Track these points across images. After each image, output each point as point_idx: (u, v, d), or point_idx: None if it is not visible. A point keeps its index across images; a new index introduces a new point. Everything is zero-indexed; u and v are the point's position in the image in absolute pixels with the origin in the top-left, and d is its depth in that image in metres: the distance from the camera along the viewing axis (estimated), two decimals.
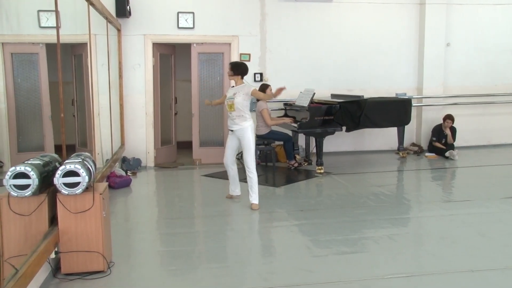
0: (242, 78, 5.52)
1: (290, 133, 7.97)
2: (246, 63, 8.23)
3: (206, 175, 7.37)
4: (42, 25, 5.83)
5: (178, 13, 8.00)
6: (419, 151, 8.88)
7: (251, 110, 8.27)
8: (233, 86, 5.60)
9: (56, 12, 3.98)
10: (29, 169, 3.26)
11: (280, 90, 5.04)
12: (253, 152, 5.48)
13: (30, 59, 6.17)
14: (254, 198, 5.48)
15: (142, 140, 8.08)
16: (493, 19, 9.26)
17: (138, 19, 7.84)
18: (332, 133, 7.45)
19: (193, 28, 8.07)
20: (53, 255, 3.52)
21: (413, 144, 9.11)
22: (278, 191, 6.46)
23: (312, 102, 7.39)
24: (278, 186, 6.67)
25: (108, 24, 6.61)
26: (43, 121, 6.08)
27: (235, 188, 5.87)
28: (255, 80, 8.30)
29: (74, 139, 7.00)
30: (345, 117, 7.35)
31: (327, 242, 4.40)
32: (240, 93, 5.41)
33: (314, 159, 7.74)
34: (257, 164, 7.66)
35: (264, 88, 7.47)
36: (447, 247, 4.25)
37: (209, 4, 8.14)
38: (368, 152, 9.01)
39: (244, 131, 5.43)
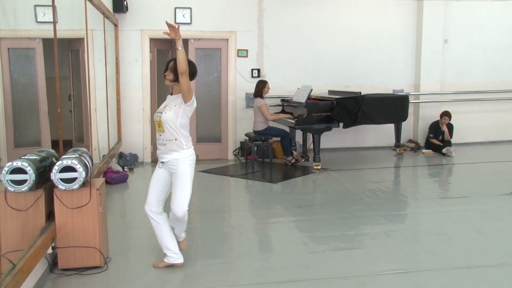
0: None
1: (287, 129, 7.97)
2: (244, 59, 8.37)
3: (203, 171, 7.36)
4: (39, 20, 5.81)
5: (175, 8, 7.97)
6: (416, 148, 8.90)
7: (248, 106, 8.35)
8: (172, 94, 3.73)
9: (53, 7, 3.97)
10: (26, 165, 3.25)
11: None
12: (189, 194, 3.63)
13: (27, 54, 6.16)
14: (182, 236, 3.99)
15: (139, 135, 8.07)
16: (491, 15, 9.26)
17: (135, 15, 7.81)
18: (329, 129, 7.45)
19: (190, 23, 8.04)
20: (50, 250, 3.52)
21: (410, 141, 9.12)
22: (275, 187, 6.46)
23: (309, 98, 7.39)
24: (275, 182, 6.67)
25: (105, 19, 6.58)
26: (40, 117, 6.07)
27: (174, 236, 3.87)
28: (252, 76, 8.30)
29: (71, 135, 6.99)
30: (342, 113, 7.35)
31: (324, 238, 4.41)
32: (171, 105, 3.57)
33: (311, 155, 7.75)
34: (255, 160, 7.70)
35: (263, 84, 7.47)
36: (443, 243, 4.26)
37: (206, 0, 8.12)
38: (365, 148, 9.02)
39: (179, 164, 3.54)
